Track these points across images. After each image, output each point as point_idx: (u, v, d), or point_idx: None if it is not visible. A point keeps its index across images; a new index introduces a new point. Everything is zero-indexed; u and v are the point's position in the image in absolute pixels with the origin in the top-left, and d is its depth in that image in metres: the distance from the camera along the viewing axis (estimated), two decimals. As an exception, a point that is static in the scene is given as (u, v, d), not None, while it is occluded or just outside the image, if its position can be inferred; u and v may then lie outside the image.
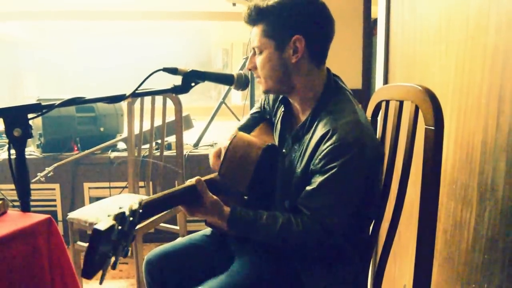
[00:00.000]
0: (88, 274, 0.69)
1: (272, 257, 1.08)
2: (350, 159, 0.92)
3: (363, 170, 0.97)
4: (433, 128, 0.94)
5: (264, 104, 1.34)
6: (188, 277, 1.13)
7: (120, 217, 0.73)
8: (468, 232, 1.14)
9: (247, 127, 1.32)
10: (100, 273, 0.72)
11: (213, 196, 0.99)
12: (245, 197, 1.05)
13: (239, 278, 1.04)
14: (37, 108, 0.85)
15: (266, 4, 1.01)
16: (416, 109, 1.02)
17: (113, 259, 0.74)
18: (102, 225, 0.69)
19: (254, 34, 1.04)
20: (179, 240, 1.26)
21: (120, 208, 0.75)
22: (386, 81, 1.71)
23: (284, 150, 1.12)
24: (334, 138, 0.94)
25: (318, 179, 0.96)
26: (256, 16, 1.02)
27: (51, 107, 0.85)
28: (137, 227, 1.70)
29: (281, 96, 1.19)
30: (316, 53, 1.03)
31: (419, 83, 1.03)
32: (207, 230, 1.26)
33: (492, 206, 1.04)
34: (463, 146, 1.16)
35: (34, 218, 0.84)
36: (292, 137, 1.09)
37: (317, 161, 0.96)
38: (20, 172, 0.85)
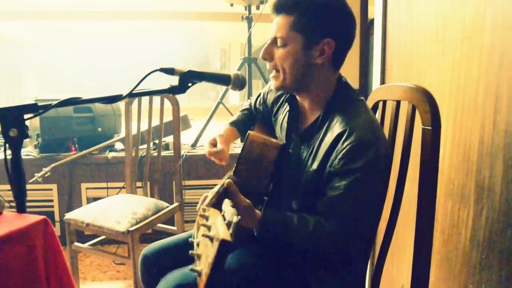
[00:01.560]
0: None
1: (270, 251, 1.07)
2: (371, 159, 0.91)
3: (382, 169, 0.97)
4: (430, 128, 0.94)
5: (256, 104, 1.33)
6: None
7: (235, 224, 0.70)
8: (466, 231, 1.14)
9: (240, 122, 1.33)
10: None
11: (245, 199, 0.95)
12: (265, 198, 1.03)
13: (239, 264, 1.04)
14: (34, 108, 0.85)
15: None
16: (413, 109, 1.02)
17: None
18: (229, 236, 0.65)
19: (280, 23, 0.98)
20: (176, 236, 1.26)
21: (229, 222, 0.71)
22: (383, 81, 1.71)
23: (290, 150, 1.10)
24: (352, 137, 0.92)
25: (341, 183, 0.93)
26: (292, 5, 0.97)
27: (47, 107, 0.84)
28: (135, 227, 1.70)
29: (285, 96, 1.17)
30: (339, 59, 1.03)
31: (416, 83, 1.04)
32: None
33: (489, 206, 1.04)
34: (460, 146, 1.16)
35: (30, 219, 0.84)
36: (300, 136, 1.08)
37: (336, 161, 0.94)
38: (16, 173, 0.85)
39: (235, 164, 1.06)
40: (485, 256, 1.06)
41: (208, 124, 2.83)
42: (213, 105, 2.86)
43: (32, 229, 0.83)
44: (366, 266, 1.14)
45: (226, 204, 0.81)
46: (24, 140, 0.87)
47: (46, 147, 2.50)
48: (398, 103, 1.11)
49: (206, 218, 0.73)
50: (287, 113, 1.15)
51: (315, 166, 0.99)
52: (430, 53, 1.32)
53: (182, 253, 1.15)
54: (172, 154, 2.07)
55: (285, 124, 1.15)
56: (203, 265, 0.67)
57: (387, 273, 1.63)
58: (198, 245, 0.74)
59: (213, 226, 0.70)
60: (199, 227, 0.77)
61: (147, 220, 1.80)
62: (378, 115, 1.22)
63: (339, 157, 0.93)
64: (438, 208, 1.25)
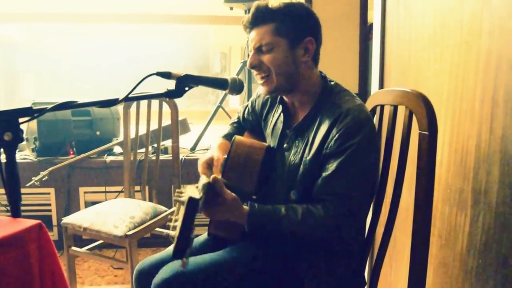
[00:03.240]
0: (181, 251, 0.70)
1: (268, 243, 1.07)
2: (365, 135, 0.98)
3: (375, 145, 1.04)
4: (426, 133, 0.94)
5: (244, 115, 1.38)
6: None
7: (206, 188, 0.77)
8: (463, 236, 1.13)
9: (231, 135, 1.32)
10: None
11: (231, 193, 0.98)
12: (254, 197, 1.05)
13: (228, 258, 1.06)
14: (29, 112, 0.85)
15: (279, 5, 1.06)
16: (410, 114, 1.02)
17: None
18: (196, 194, 0.72)
19: (261, 33, 1.06)
20: (170, 248, 1.23)
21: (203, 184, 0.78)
22: (382, 85, 1.71)
23: (285, 145, 1.13)
24: (348, 118, 0.99)
25: (335, 163, 0.98)
26: (268, 15, 1.06)
27: (42, 111, 0.84)
28: (133, 232, 1.69)
29: (272, 99, 1.25)
30: (317, 55, 1.12)
31: (414, 87, 1.04)
32: (201, 237, 1.25)
33: (486, 210, 1.03)
34: (458, 151, 1.16)
35: (24, 223, 0.83)
36: (294, 131, 1.12)
37: (332, 143, 0.99)
38: (11, 177, 0.84)
39: (222, 169, 1.08)
40: (482, 261, 1.05)
41: (208, 128, 2.83)
42: (213, 109, 2.86)
43: (27, 234, 0.82)
44: (362, 270, 1.14)
45: (201, 180, 0.88)
46: (22, 144, 0.86)
47: (44, 150, 2.50)
48: (395, 107, 1.11)
49: (181, 193, 0.81)
50: (281, 113, 1.18)
51: (311, 155, 1.04)
52: (428, 58, 1.32)
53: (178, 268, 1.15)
54: (171, 158, 2.07)
55: (279, 124, 1.18)
56: (176, 231, 0.72)
57: (385, 278, 1.62)
58: (175, 228, 0.80)
59: (185, 194, 0.77)
60: (178, 211, 0.82)
61: (145, 225, 1.79)
62: (376, 120, 1.22)
63: (335, 138, 0.99)
64: (436, 213, 1.25)
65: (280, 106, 1.19)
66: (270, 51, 1.06)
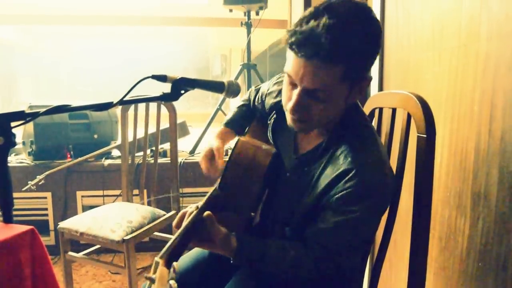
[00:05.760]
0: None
1: (269, 276, 1.01)
2: (371, 205, 0.85)
3: (382, 210, 0.91)
4: (425, 136, 0.93)
5: (255, 100, 1.22)
6: None
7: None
8: (463, 239, 1.13)
9: (235, 122, 1.23)
10: None
11: (221, 229, 0.89)
12: (252, 214, 0.99)
13: None
14: (21, 116, 0.84)
15: (356, 38, 0.77)
16: (409, 116, 1.02)
17: None
18: None
19: (321, 75, 0.79)
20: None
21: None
22: (381, 88, 1.71)
23: (288, 174, 1.00)
24: (355, 180, 0.83)
25: (332, 218, 0.86)
26: (340, 54, 0.77)
27: (34, 115, 0.83)
28: (130, 236, 1.67)
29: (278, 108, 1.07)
30: None
31: (413, 90, 1.03)
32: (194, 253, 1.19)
33: (486, 213, 1.03)
34: (457, 153, 1.15)
35: (16, 229, 0.82)
36: (300, 159, 0.98)
37: (334, 198, 0.86)
38: (2, 183, 0.83)
39: (221, 176, 0.99)
40: (482, 264, 1.04)
41: (207, 131, 2.82)
42: (213, 112, 2.85)
43: (19, 240, 0.81)
44: (361, 275, 1.13)
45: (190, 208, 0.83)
46: (18, 147, 0.85)
47: (41, 154, 2.47)
48: (394, 110, 1.10)
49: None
50: (273, 123, 1.06)
51: (312, 197, 0.92)
52: (427, 60, 1.31)
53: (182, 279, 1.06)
54: (170, 161, 2.05)
55: (288, 139, 1.04)
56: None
57: (385, 281, 1.61)
58: None
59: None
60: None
61: (143, 229, 1.77)
62: (374, 123, 1.21)
63: (337, 196, 0.85)
64: (436, 216, 1.24)
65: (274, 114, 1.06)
66: (327, 101, 0.83)
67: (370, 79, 0.87)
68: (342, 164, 0.87)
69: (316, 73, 0.79)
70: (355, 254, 0.93)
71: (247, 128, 1.20)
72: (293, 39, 0.79)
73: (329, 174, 0.89)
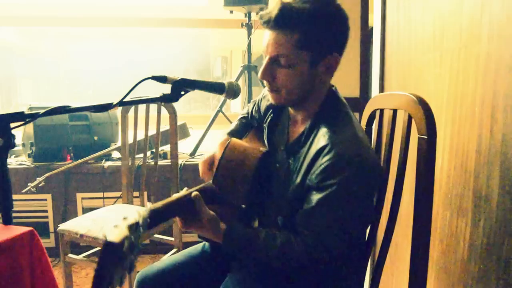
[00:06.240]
0: None
1: (266, 275, 1.02)
2: (349, 176, 0.86)
3: (362, 187, 0.90)
4: (425, 137, 0.93)
5: (252, 111, 1.30)
6: None
7: (134, 227, 0.67)
8: (464, 241, 1.12)
9: (236, 132, 1.28)
10: None
11: (210, 212, 0.94)
12: (243, 206, 1.02)
13: None
14: (20, 117, 0.83)
15: (307, 7, 0.87)
16: (409, 118, 1.01)
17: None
18: (114, 237, 0.61)
19: (281, 41, 0.89)
20: (173, 257, 1.20)
21: (124, 218, 0.68)
22: (382, 89, 1.71)
23: (278, 165, 1.04)
24: (331, 153, 0.87)
25: (315, 197, 0.89)
26: (293, 21, 0.87)
27: (34, 116, 0.83)
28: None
29: (272, 105, 1.12)
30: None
31: (414, 91, 1.03)
32: (201, 244, 1.22)
33: (487, 215, 1.02)
34: (458, 155, 1.14)
35: (16, 231, 0.82)
36: (287, 150, 1.03)
37: (313, 176, 0.90)
38: (2, 184, 0.83)
39: (214, 172, 1.03)
40: (483, 266, 1.04)
41: (207, 133, 2.82)
42: (214, 113, 2.85)
43: (18, 242, 0.81)
44: (361, 278, 1.12)
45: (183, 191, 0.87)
46: (18, 149, 0.85)
47: (41, 156, 2.47)
48: (394, 112, 1.10)
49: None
50: (269, 122, 1.11)
51: (298, 180, 0.95)
52: (428, 62, 1.31)
53: (179, 277, 1.12)
54: (170, 163, 2.05)
55: (270, 134, 1.11)
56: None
57: (386, 284, 1.60)
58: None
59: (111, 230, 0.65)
60: None
61: (142, 231, 1.77)
62: (375, 124, 1.21)
63: (316, 172, 0.89)
64: (437, 218, 1.24)
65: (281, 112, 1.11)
66: (290, 67, 0.91)
67: (337, 58, 0.93)
68: (321, 142, 0.92)
69: (276, 40, 0.90)
70: (343, 235, 0.91)
71: (246, 135, 1.24)
72: (264, 16, 0.91)
73: (310, 154, 0.94)
